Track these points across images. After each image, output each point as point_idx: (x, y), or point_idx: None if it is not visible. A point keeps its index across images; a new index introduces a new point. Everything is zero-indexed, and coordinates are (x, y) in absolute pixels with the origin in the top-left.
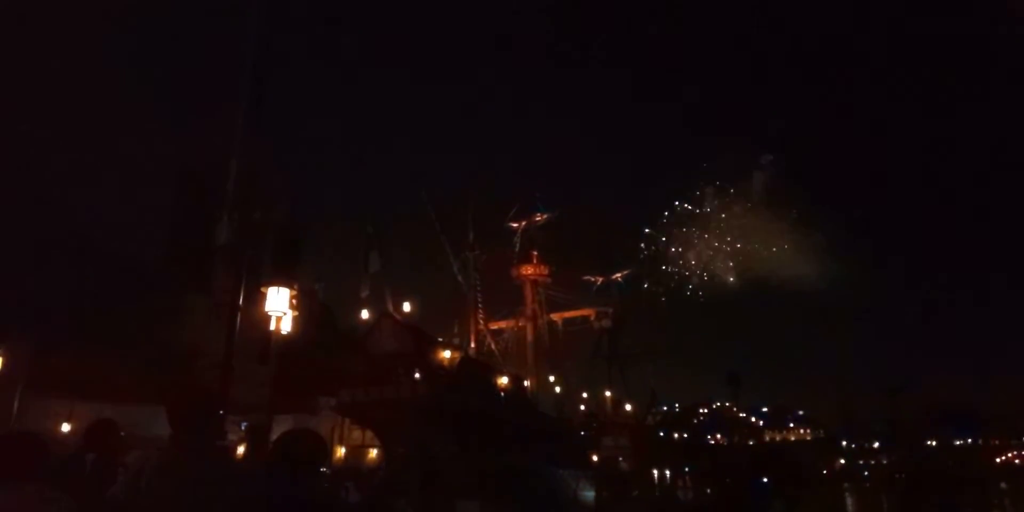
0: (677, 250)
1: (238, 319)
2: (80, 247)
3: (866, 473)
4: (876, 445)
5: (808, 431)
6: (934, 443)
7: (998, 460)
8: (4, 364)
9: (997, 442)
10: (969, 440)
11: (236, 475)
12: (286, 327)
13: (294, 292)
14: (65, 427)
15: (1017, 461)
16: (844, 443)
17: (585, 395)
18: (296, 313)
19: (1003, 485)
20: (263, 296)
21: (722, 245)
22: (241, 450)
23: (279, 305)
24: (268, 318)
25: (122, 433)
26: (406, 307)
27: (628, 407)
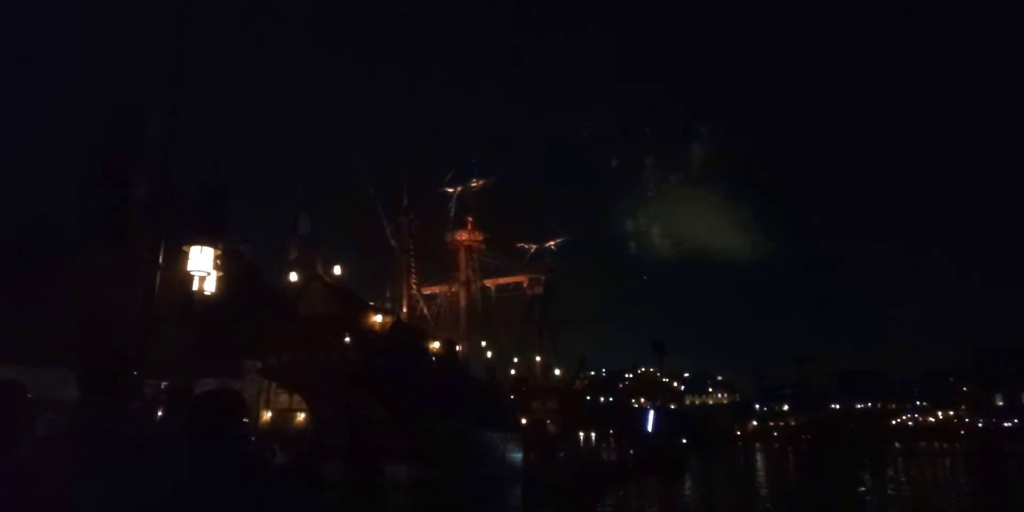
0: (615, 219)
1: (157, 278)
2: None
3: (775, 434)
4: (786, 408)
5: (725, 395)
6: (838, 406)
7: (894, 422)
8: None
9: (894, 406)
10: (869, 404)
11: (149, 437)
12: (209, 288)
13: (218, 252)
14: None
15: (910, 423)
16: (757, 406)
17: (516, 360)
18: (220, 273)
19: (896, 445)
20: (185, 255)
21: (657, 216)
22: (160, 413)
23: (202, 265)
24: (190, 278)
25: (29, 395)
26: (337, 270)
27: (557, 372)
